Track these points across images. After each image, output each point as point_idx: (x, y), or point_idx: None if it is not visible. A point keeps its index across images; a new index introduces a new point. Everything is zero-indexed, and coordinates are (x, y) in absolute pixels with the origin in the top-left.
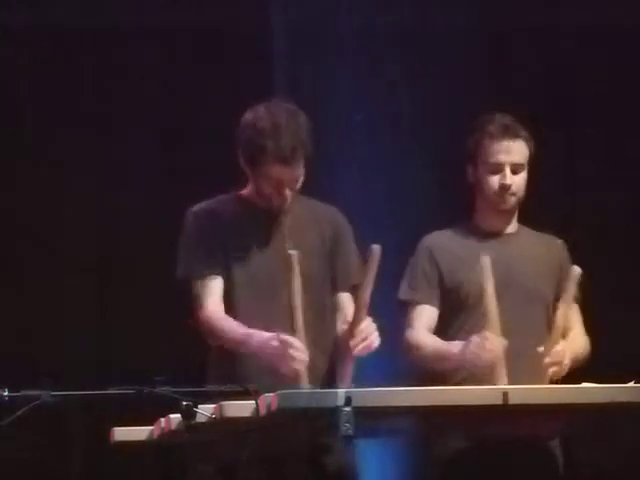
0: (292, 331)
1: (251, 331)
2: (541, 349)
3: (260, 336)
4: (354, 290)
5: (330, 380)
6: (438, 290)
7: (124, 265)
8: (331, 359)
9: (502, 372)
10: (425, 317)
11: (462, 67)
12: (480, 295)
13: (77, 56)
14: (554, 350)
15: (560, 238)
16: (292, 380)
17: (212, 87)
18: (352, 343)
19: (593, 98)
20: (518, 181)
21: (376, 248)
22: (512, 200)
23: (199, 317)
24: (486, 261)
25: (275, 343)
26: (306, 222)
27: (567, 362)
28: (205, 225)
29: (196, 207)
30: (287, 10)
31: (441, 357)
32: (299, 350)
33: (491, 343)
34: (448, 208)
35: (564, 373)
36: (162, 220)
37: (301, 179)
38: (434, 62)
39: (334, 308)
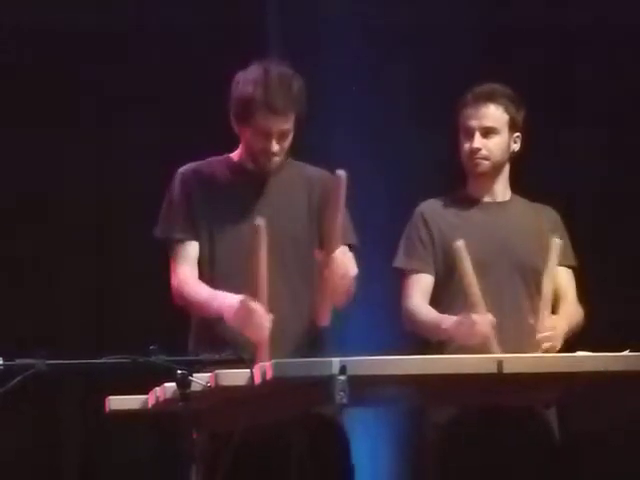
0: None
1: (214, 293)
2: (532, 321)
3: (223, 298)
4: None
5: (313, 348)
6: (433, 256)
7: (120, 229)
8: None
9: (495, 348)
10: (421, 285)
11: (462, 67)
12: (460, 277)
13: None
14: (547, 325)
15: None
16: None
17: (212, 87)
18: (328, 274)
19: (593, 98)
20: (490, 145)
21: (341, 173)
22: (485, 164)
23: (171, 282)
24: (460, 245)
25: (239, 307)
26: (294, 185)
27: (561, 338)
28: (190, 186)
29: (184, 167)
30: (286, 10)
31: (433, 329)
32: (262, 317)
33: (479, 325)
34: (445, 178)
35: (558, 347)
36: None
37: (290, 137)
38: (434, 62)
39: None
